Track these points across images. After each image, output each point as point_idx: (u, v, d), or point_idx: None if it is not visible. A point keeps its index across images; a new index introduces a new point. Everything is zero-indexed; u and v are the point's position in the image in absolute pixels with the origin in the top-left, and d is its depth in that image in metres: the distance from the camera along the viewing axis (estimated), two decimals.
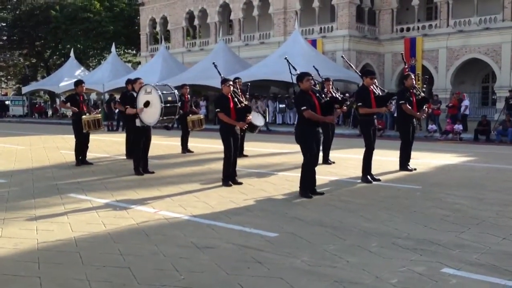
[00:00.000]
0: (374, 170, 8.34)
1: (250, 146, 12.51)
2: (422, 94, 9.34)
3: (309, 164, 6.88)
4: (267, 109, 26.79)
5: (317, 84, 7.84)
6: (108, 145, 15.20)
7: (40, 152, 13.34)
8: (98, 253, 4.54)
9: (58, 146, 14.82)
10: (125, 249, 4.62)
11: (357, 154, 8.40)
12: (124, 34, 45.86)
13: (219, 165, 8.04)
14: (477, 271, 4.00)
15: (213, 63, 9.56)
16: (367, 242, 4.82)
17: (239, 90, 8.59)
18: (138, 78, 9.73)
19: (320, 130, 7.13)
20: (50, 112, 45.48)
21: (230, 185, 7.80)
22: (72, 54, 39.82)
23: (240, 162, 8.32)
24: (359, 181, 8.12)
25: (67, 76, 35.96)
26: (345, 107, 8.47)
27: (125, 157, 11.66)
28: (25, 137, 19.03)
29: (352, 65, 9.66)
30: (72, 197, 7.08)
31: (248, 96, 9.78)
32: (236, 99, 7.88)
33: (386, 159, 10.41)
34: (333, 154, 10.47)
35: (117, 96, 25.49)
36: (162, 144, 14.58)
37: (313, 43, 28.84)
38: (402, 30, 30.30)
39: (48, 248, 4.71)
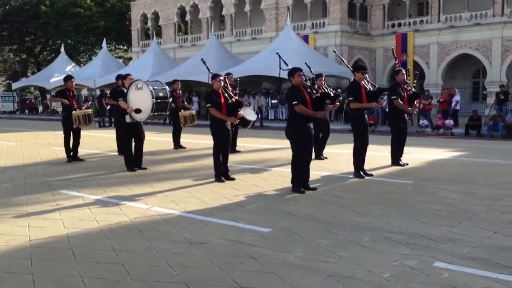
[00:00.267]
0: (367, 165, 8.37)
1: (242, 142, 12.51)
2: (414, 90, 9.38)
3: (299, 159, 6.89)
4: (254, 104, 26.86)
5: (308, 80, 7.85)
6: (99, 141, 15.13)
7: (31, 148, 13.25)
8: (90, 249, 4.53)
9: (49, 142, 14.73)
10: (118, 245, 4.61)
11: (349, 149, 8.42)
12: (115, 30, 45.61)
13: (211, 161, 8.03)
14: (468, 265, 4.04)
15: (202, 59, 9.57)
16: (360, 236, 4.84)
17: (229, 86, 8.57)
18: (128, 74, 9.71)
19: (312, 126, 7.13)
20: (40, 108, 45.16)
21: (223, 181, 7.80)
22: (62, 49, 39.55)
23: (233, 157, 8.32)
24: (351, 176, 8.15)
25: (57, 72, 35.70)
26: (337, 103, 8.48)
27: (117, 153, 11.60)
28: (16, 133, 18.90)
29: (344, 60, 9.66)
30: (64, 194, 7.05)
31: (238, 91, 9.76)
32: (226, 94, 7.87)
33: (378, 154, 10.45)
34: (325, 150, 10.50)
35: (108, 92, 25.39)
36: (155, 140, 14.53)
37: (305, 38, 28.84)
38: (393, 25, 30.39)
39: (41, 244, 4.69)
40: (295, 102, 6.70)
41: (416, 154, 10.93)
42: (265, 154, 11.61)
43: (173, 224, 5.36)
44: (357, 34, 30.28)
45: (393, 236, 4.85)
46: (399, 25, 30.10)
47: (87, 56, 50.74)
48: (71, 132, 10.29)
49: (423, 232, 4.95)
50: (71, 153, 10.43)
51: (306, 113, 6.76)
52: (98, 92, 30.34)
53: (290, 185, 7.07)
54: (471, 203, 6.25)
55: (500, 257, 4.21)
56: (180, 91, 13.14)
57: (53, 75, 35.65)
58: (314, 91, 7.14)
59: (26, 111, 42.90)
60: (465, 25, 27.38)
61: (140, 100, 8.67)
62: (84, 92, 40.50)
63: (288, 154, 8.34)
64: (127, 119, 8.87)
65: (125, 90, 9.05)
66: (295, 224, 5.33)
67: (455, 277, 3.79)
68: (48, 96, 42.16)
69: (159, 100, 8.62)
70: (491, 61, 26.69)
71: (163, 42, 38.15)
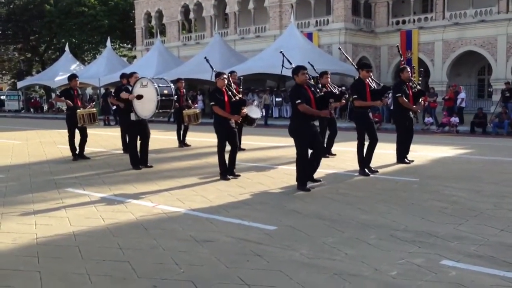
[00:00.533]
0: (372, 162, 8.35)
1: (247, 140, 12.51)
2: (419, 87, 9.35)
3: (303, 157, 6.88)
4: (261, 102, 26.81)
5: (312, 79, 7.84)
6: (104, 139, 15.16)
7: (37, 146, 13.30)
8: (97, 247, 4.54)
9: (54, 141, 14.78)
10: (124, 243, 4.62)
11: (354, 147, 8.40)
12: (119, 28, 45.67)
13: (217, 159, 8.03)
14: (476, 263, 4.03)
15: (205, 57, 9.58)
16: (366, 234, 4.84)
17: (233, 84, 8.56)
18: (134, 72, 9.70)
19: (316, 124, 7.12)
20: (45, 107, 45.28)
21: (228, 179, 7.80)
22: (67, 48, 39.66)
23: (238, 155, 8.30)
24: (357, 174, 8.14)
25: (62, 71, 35.80)
26: (343, 101, 8.46)
27: (122, 152, 11.63)
28: (21, 132, 18.96)
29: (349, 58, 9.63)
30: (70, 192, 7.07)
31: (241, 89, 9.76)
32: (230, 93, 7.87)
33: (383, 152, 10.42)
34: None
35: (113, 90, 25.43)
36: (160, 138, 14.55)
37: (309, 36, 28.80)
38: (398, 23, 30.29)
39: (47, 242, 4.70)
40: (299, 101, 6.69)
41: (422, 152, 10.90)
42: (270, 152, 11.61)
43: (178, 222, 5.37)
44: (361, 32, 30.21)
45: (399, 234, 4.84)
46: (404, 22, 30.00)
47: (91, 54, 50.86)
48: (77, 131, 10.32)
49: (430, 230, 4.94)
50: (77, 151, 10.46)
51: (309, 112, 6.75)
52: (102, 91, 30.43)
53: (295, 183, 7.07)
54: (477, 201, 6.23)
55: (507, 255, 4.19)
56: (184, 90, 13.15)
57: (58, 74, 35.75)
58: (318, 90, 7.11)
59: (31, 109, 43.03)
60: (470, 22, 27.26)
61: (145, 97, 8.68)
62: (89, 90, 40.65)
63: (292, 152, 8.33)
64: (132, 117, 8.89)
65: (130, 88, 9.06)
66: (300, 222, 5.33)
67: (462, 275, 3.78)
68: (53, 94, 42.29)
69: (164, 98, 8.63)
70: (496, 58, 26.58)
71: (167, 40, 38.17)
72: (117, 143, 12.50)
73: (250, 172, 8.60)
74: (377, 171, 8.24)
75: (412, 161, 9.28)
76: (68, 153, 10.76)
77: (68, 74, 11.36)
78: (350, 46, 28.81)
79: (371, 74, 8.25)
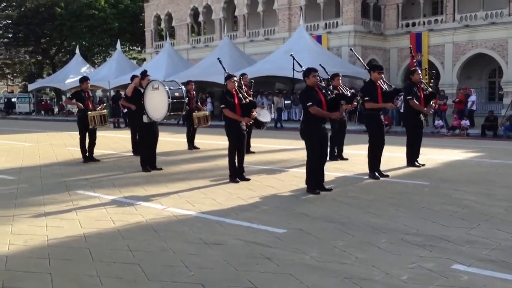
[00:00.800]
0: (382, 166, 8.31)
1: (256, 143, 12.50)
2: (430, 89, 9.29)
3: (313, 160, 6.86)
4: (270, 104, 26.76)
5: (323, 80, 7.81)
6: (114, 141, 15.24)
7: (48, 149, 13.39)
8: (107, 249, 4.56)
9: (65, 143, 14.87)
10: (134, 246, 4.64)
11: (364, 150, 8.37)
12: (129, 31, 45.94)
13: (226, 162, 8.04)
14: (488, 267, 3.99)
15: (218, 58, 9.58)
16: (376, 238, 4.81)
17: (244, 86, 8.56)
18: (146, 72, 9.57)
19: (327, 126, 7.10)
20: (56, 109, 45.62)
21: (237, 182, 7.80)
22: (77, 51, 39.92)
23: (247, 158, 8.32)
24: (367, 177, 8.10)
25: (72, 73, 36.05)
26: (355, 103, 8.43)
27: (131, 154, 11.68)
28: (32, 134, 19.11)
29: (361, 59, 9.58)
30: (80, 194, 7.11)
31: (252, 92, 9.76)
32: (240, 95, 7.87)
33: (393, 155, 10.37)
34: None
35: (123, 93, 25.56)
36: (169, 141, 14.60)
37: (318, 38, 28.76)
38: (407, 25, 30.16)
39: (58, 244, 4.73)
40: (310, 103, 6.67)
41: (432, 155, 10.84)
42: (279, 154, 11.60)
43: (188, 225, 5.38)
44: (371, 34, 30.12)
45: (410, 238, 4.80)
46: (413, 24, 29.87)
47: (101, 57, 51.21)
48: (87, 133, 10.38)
49: (441, 234, 4.90)
50: (87, 154, 10.52)
51: (321, 114, 6.74)
52: (112, 93, 30.59)
53: (305, 186, 7.05)
54: (488, 205, 6.17)
55: None
56: (194, 92, 13.18)
57: (68, 76, 35.99)
58: (329, 92, 7.09)
59: (42, 112, 43.34)
60: (480, 24, 27.09)
61: (156, 100, 8.72)
62: (99, 93, 40.88)
63: (302, 154, 8.33)
64: (145, 119, 8.92)
65: (142, 90, 9.09)
66: (310, 225, 5.31)
67: (474, 280, 3.75)
68: (63, 97, 42.56)
69: (175, 100, 8.66)
70: (507, 61, 26.37)
71: (176, 43, 38.31)
72: (127, 145, 12.56)
73: (259, 174, 8.59)
74: (387, 175, 8.19)
75: (423, 164, 9.21)
76: (78, 155, 10.83)
77: (79, 77, 11.45)
78: (359, 49, 28.73)
79: (382, 76, 8.21)
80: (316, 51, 24.66)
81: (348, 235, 4.93)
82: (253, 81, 10.59)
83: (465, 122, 18.07)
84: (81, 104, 10.20)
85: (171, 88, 8.73)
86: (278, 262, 4.18)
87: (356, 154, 10.86)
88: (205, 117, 12.50)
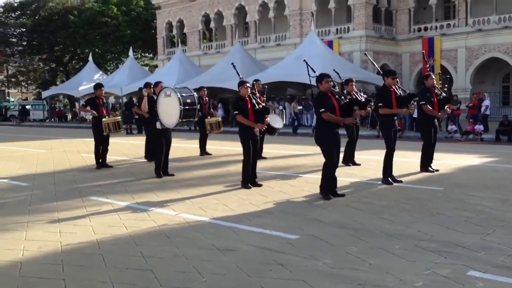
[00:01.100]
0: (395, 171, 8.25)
1: (268, 148, 12.49)
2: (444, 94, 9.21)
3: (330, 165, 6.84)
4: (283, 111, 26.73)
5: (337, 86, 7.79)
6: (127, 148, 15.33)
7: (61, 155, 13.51)
8: (120, 255, 4.57)
9: (78, 150, 14.99)
10: (147, 252, 4.65)
11: (377, 155, 8.33)
12: (141, 38, 46.32)
13: (238, 167, 8.03)
14: (503, 274, 3.93)
15: (232, 63, 9.61)
16: (390, 244, 4.76)
17: (257, 92, 8.56)
18: (159, 81, 9.76)
19: (340, 132, 7.07)
20: (69, 116, 46.04)
21: (250, 187, 7.79)
22: (90, 58, 40.29)
23: (259, 164, 8.30)
24: (380, 182, 8.04)
25: (86, 80, 36.39)
26: (369, 108, 8.39)
27: (144, 160, 11.73)
28: (46, 141, 19.28)
29: (375, 64, 9.52)
30: (93, 200, 7.15)
31: (265, 97, 9.75)
32: (254, 101, 7.86)
33: (406, 160, 10.30)
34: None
35: (135, 100, 25.72)
36: (181, 147, 14.64)
37: (330, 44, 28.73)
38: (419, 29, 30.01)
39: (72, 250, 4.75)
40: (323, 109, 6.66)
41: (446, 160, 10.73)
42: (291, 160, 11.57)
43: (201, 231, 5.38)
44: (383, 39, 30.02)
45: (424, 244, 4.75)
46: (425, 29, 29.71)
47: (114, 64, 51.65)
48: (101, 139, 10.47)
49: (456, 240, 4.84)
50: (100, 160, 10.59)
51: (334, 120, 6.72)
52: (125, 100, 30.81)
53: (318, 191, 7.02)
54: (504, 210, 6.09)
55: None
56: (207, 98, 13.22)
57: (82, 83, 36.32)
58: (343, 97, 7.07)
59: (56, 119, 43.76)
60: (493, 29, 26.87)
61: (168, 107, 8.76)
62: (111, 99, 41.18)
63: (314, 160, 8.35)
64: (158, 125, 8.97)
65: (155, 97, 9.15)
66: (323, 231, 5.28)
67: (490, 286, 3.70)
68: (77, 104, 42.96)
69: (187, 107, 8.69)
70: None
71: (188, 49, 38.51)
72: (139, 152, 12.62)
73: (271, 180, 8.57)
74: (401, 181, 8.12)
75: (437, 170, 9.12)
76: (91, 161, 10.90)
77: (92, 84, 11.57)
78: (371, 54, 28.55)
79: (396, 80, 8.16)
80: (328, 56, 24.63)
81: (362, 241, 4.89)
82: (266, 86, 10.60)
83: (479, 127, 17.89)
84: (94, 112, 10.29)
85: (183, 94, 8.76)
86: (291, 268, 4.16)
87: (368, 159, 10.80)
88: (218, 123, 12.52)
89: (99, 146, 10.54)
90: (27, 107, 47.20)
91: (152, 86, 9.90)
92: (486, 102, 20.10)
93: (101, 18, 44.65)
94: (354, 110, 7.26)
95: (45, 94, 42.40)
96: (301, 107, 25.47)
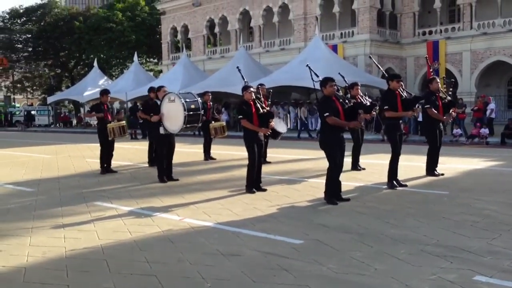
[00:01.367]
0: (400, 175, 8.22)
1: (273, 153, 12.48)
2: (449, 98, 9.18)
3: (334, 170, 6.82)
4: (287, 115, 26.70)
5: (340, 90, 7.77)
6: (131, 153, 15.35)
7: (66, 160, 13.54)
8: (124, 260, 4.56)
9: (83, 155, 15.03)
10: (151, 257, 4.63)
11: (381, 159, 8.29)
12: (146, 43, 46.53)
13: (242, 172, 8.02)
14: (510, 278, 3.89)
15: (237, 67, 9.63)
16: (395, 249, 4.73)
17: (262, 96, 8.56)
18: (162, 86, 9.80)
19: (344, 136, 7.05)
20: (74, 122, 46.21)
21: (254, 192, 7.77)
22: (95, 63, 40.48)
23: (264, 168, 8.29)
24: (385, 187, 8.01)
25: (91, 86, 36.54)
26: (373, 112, 8.35)
27: (147, 165, 11.73)
28: (51, 146, 19.35)
29: (380, 67, 9.51)
30: (98, 205, 7.15)
31: (270, 102, 9.74)
32: (258, 105, 7.86)
33: (411, 164, 10.26)
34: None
35: (140, 105, 25.76)
36: (185, 152, 14.65)
37: (334, 48, 28.75)
38: (424, 33, 29.99)
39: (76, 256, 4.75)
40: (327, 113, 6.64)
41: (451, 164, 10.69)
42: (295, 164, 11.55)
43: (205, 236, 5.36)
44: (387, 43, 30.00)
45: (430, 248, 4.72)
46: (430, 32, 29.68)
47: (119, 69, 51.91)
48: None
49: (462, 244, 4.81)
50: (105, 165, 10.61)
51: (338, 123, 6.70)
52: (129, 105, 30.88)
53: (322, 196, 6.99)
54: (510, 214, 6.05)
55: None
56: (211, 103, 13.23)
57: (87, 89, 36.46)
58: (347, 101, 7.05)
59: (61, 124, 43.92)
60: (498, 32, 26.82)
61: (172, 112, 8.77)
62: (116, 105, 41.31)
63: (318, 165, 8.33)
64: (161, 130, 8.98)
65: (158, 102, 9.16)
66: (327, 235, 5.26)
67: None
68: (81, 109, 43.14)
69: (191, 112, 8.69)
70: None
71: (192, 54, 38.63)
72: (144, 157, 12.63)
73: (276, 185, 8.55)
74: (406, 185, 8.08)
75: (442, 174, 9.07)
76: (96, 166, 10.92)
77: (97, 89, 11.64)
78: (375, 58, 28.54)
79: (401, 84, 8.14)
80: (332, 60, 24.63)
81: (367, 246, 4.87)
82: (271, 90, 10.59)
83: (484, 131, 17.81)
84: (100, 114, 10.34)
85: (187, 100, 8.77)
86: (295, 273, 4.13)
87: (373, 163, 10.76)
88: (222, 127, 12.52)
89: (105, 152, 10.56)
90: (33, 112, 47.40)
91: (155, 90, 9.93)
92: (491, 106, 20.02)
93: (106, 23, 44.90)
94: (359, 114, 7.24)
95: (50, 99, 42.60)
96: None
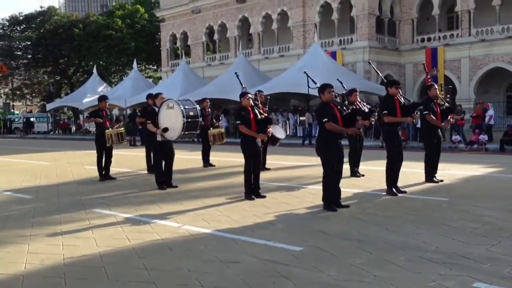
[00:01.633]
0: (399, 182, 8.20)
1: (272, 159, 12.47)
2: (447, 105, 9.20)
3: (330, 176, 6.81)
4: (287, 121, 26.70)
5: (338, 96, 7.79)
6: (130, 159, 15.33)
7: (65, 167, 13.52)
8: (123, 268, 4.54)
9: (82, 162, 15.01)
10: (150, 264, 4.62)
11: (381, 166, 8.28)
12: (145, 50, 46.64)
13: (241, 179, 8.01)
14: (510, 285, 3.89)
15: (235, 73, 9.63)
16: (395, 255, 4.72)
17: (259, 103, 8.56)
18: (160, 93, 9.80)
19: (345, 143, 7.05)
20: (73, 128, 46.20)
21: (253, 199, 7.76)
22: (94, 70, 40.55)
23: (263, 175, 8.28)
24: (384, 193, 8.00)
25: (90, 93, 36.59)
26: (372, 118, 8.35)
27: (146, 172, 11.72)
28: (50, 153, 19.33)
29: (379, 73, 9.53)
30: (96, 212, 7.13)
31: (267, 108, 9.75)
32: (256, 111, 7.87)
33: (410, 170, 10.25)
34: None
35: (139, 110, 25.77)
36: (184, 158, 14.63)
37: (333, 55, 28.82)
38: (423, 40, 30.08)
39: (74, 263, 4.73)
40: (325, 119, 6.65)
41: (450, 171, 10.68)
42: (295, 171, 11.54)
43: (204, 243, 5.34)
44: (386, 50, 30.09)
45: (429, 255, 4.70)
46: (429, 39, 29.77)
47: (118, 76, 52.00)
48: (104, 151, 10.49)
49: (461, 251, 4.79)
50: (103, 172, 10.60)
51: (336, 130, 6.70)
52: (128, 112, 30.90)
53: (321, 203, 6.98)
54: (510, 221, 6.04)
55: None
56: (209, 109, 13.23)
57: (86, 96, 36.51)
58: (345, 108, 7.06)
59: (60, 131, 43.90)
60: (497, 38, 26.91)
61: (171, 119, 8.76)
62: (115, 111, 41.34)
63: (318, 171, 8.29)
64: (158, 137, 8.97)
65: (156, 109, 9.16)
66: (327, 242, 5.24)
67: None
68: (81, 116, 43.14)
69: (189, 119, 8.68)
70: None
71: (192, 61, 38.70)
72: (143, 164, 12.62)
73: (275, 192, 8.54)
74: (405, 191, 8.08)
75: (442, 180, 9.08)
76: (95, 173, 10.90)
77: (96, 96, 11.65)
78: (374, 64, 28.61)
79: (399, 90, 8.16)
80: (331, 67, 24.69)
81: (366, 252, 4.85)
82: (269, 97, 10.60)
83: (483, 137, 17.82)
84: (99, 119, 10.34)
85: (186, 107, 8.76)
86: (295, 280, 4.12)
87: (372, 170, 10.76)
88: (221, 134, 12.51)
89: (101, 159, 10.56)
90: (32, 119, 47.39)
91: (153, 97, 9.94)
92: (490, 112, 20.05)
93: (105, 31, 45.03)
94: (357, 120, 7.24)
95: (49, 106, 42.62)
96: (304, 118, 25.42)
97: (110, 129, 10.47)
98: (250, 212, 6.89)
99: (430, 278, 4.08)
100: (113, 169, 11.11)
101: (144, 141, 18.58)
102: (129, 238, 5.59)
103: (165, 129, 8.77)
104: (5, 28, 52.73)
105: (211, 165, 12.86)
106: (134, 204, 7.73)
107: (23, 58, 53.71)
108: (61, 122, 47.11)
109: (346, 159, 7.85)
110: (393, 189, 7.96)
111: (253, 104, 7.92)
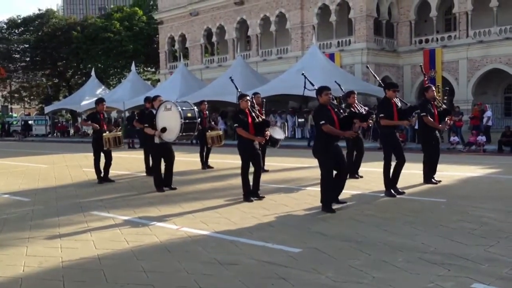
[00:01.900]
0: (398, 183, 8.20)
1: (270, 161, 12.47)
2: (444, 106, 9.22)
3: (327, 178, 6.81)
4: (285, 123, 26.71)
5: (335, 99, 7.79)
6: (129, 162, 15.32)
7: (63, 170, 13.51)
8: (121, 270, 4.54)
9: (80, 164, 15.00)
10: (148, 266, 4.61)
11: (379, 167, 8.29)
12: (144, 53, 46.66)
13: (240, 181, 8.01)
14: (508, 286, 3.89)
15: (230, 77, 9.64)
16: (393, 257, 4.72)
17: (256, 105, 8.57)
18: (158, 96, 9.81)
19: (342, 144, 7.06)
20: (72, 131, 46.16)
21: (252, 201, 7.76)
22: (93, 73, 40.53)
23: (262, 177, 8.26)
24: (383, 195, 8.00)
25: (88, 95, 36.56)
26: (370, 120, 8.37)
27: (145, 174, 11.71)
28: (48, 156, 19.31)
29: (377, 76, 9.55)
30: (95, 215, 7.13)
31: (264, 110, 9.76)
32: (254, 114, 7.88)
33: (409, 172, 10.24)
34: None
35: (137, 113, 25.77)
36: (183, 160, 14.62)
37: (331, 56, 28.86)
38: (420, 42, 30.15)
39: (72, 266, 4.72)
40: (323, 121, 6.66)
41: (448, 172, 10.70)
42: (293, 173, 11.54)
43: (202, 245, 5.34)
44: (384, 51, 30.14)
45: (427, 256, 4.71)
46: (427, 41, 29.84)
47: (116, 79, 51.97)
48: (103, 154, 10.49)
49: (459, 252, 4.80)
50: (102, 174, 10.60)
51: (333, 132, 6.71)
52: (127, 114, 30.89)
53: (320, 204, 6.98)
54: (508, 222, 6.05)
55: None
56: (207, 112, 13.24)
57: (84, 98, 36.48)
58: (342, 110, 7.07)
59: (58, 134, 43.84)
60: (494, 40, 26.98)
61: (168, 120, 8.76)
62: (114, 114, 41.34)
63: (316, 173, 8.27)
64: (156, 140, 8.97)
65: (154, 112, 9.16)
66: (325, 244, 5.24)
67: None
68: (79, 118, 43.11)
69: (187, 121, 8.69)
70: None
71: (190, 63, 38.73)
72: (141, 166, 12.61)
73: (274, 193, 8.55)
74: (403, 192, 8.09)
75: (440, 181, 9.10)
76: (93, 176, 10.90)
77: (94, 99, 11.64)
78: (372, 66, 28.60)
79: (396, 93, 8.17)
80: (329, 69, 24.72)
81: (365, 254, 4.85)
82: (264, 100, 10.61)
83: (481, 138, 17.85)
84: (96, 125, 10.33)
85: (184, 108, 8.77)
86: (293, 282, 4.12)
87: (371, 171, 10.77)
88: (219, 136, 12.50)
89: (99, 161, 10.56)
90: (30, 122, 47.34)
91: (150, 100, 9.95)
92: (488, 113, 20.10)
93: (103, 33, 45.06)
94: (354, 123, 7.25)
95: (47, 109, 42.57)
96: (302, 120, 25.48)
97: (107, 132, 10.46)
98: (249, 214, 6.89)
99: (429, 279, 4.08)
100: (112, 172, 11.09)
101: (142, 143, 18.60)
102: (127, 241, 5.59)
103: (164, 129, 8.77)
104: (3, 31, 52.71)
105: (209, 167, 12.86)
106: (133, 206, 7.73)
107: (21, 61, 53.66)
108: (59, 124, 47.06)
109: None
110: (392, 190, 7.96)
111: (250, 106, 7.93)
